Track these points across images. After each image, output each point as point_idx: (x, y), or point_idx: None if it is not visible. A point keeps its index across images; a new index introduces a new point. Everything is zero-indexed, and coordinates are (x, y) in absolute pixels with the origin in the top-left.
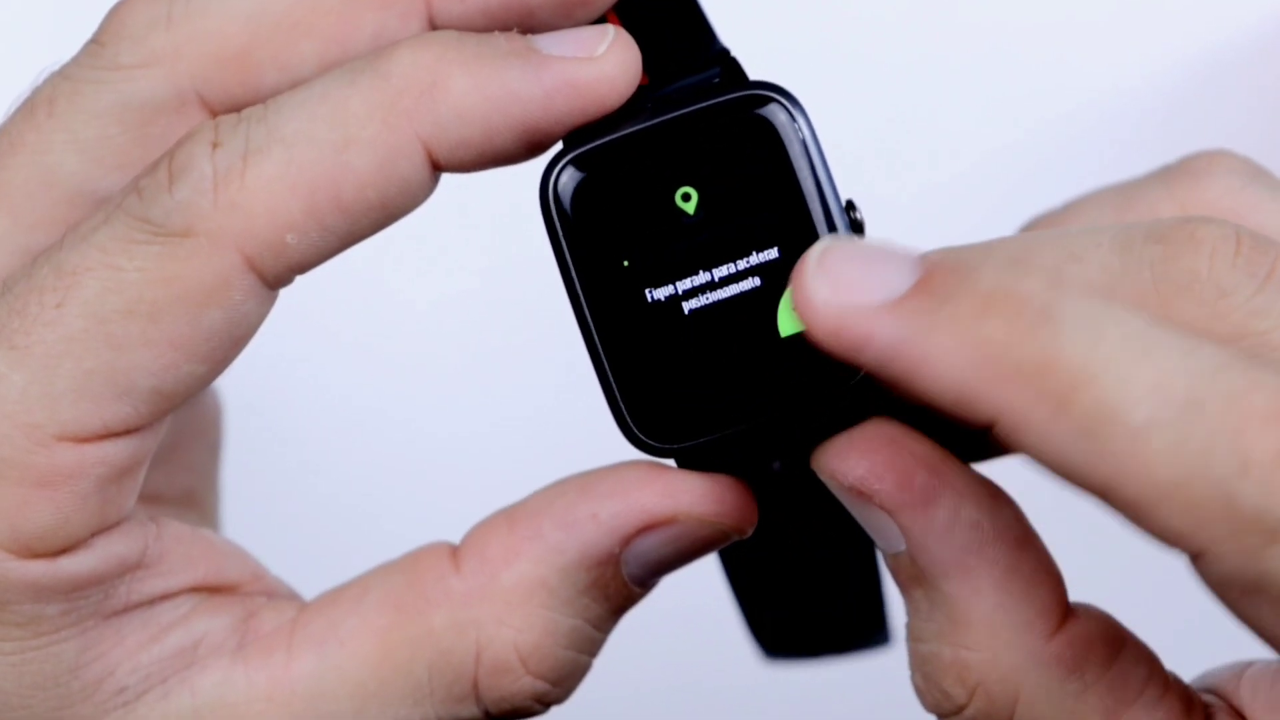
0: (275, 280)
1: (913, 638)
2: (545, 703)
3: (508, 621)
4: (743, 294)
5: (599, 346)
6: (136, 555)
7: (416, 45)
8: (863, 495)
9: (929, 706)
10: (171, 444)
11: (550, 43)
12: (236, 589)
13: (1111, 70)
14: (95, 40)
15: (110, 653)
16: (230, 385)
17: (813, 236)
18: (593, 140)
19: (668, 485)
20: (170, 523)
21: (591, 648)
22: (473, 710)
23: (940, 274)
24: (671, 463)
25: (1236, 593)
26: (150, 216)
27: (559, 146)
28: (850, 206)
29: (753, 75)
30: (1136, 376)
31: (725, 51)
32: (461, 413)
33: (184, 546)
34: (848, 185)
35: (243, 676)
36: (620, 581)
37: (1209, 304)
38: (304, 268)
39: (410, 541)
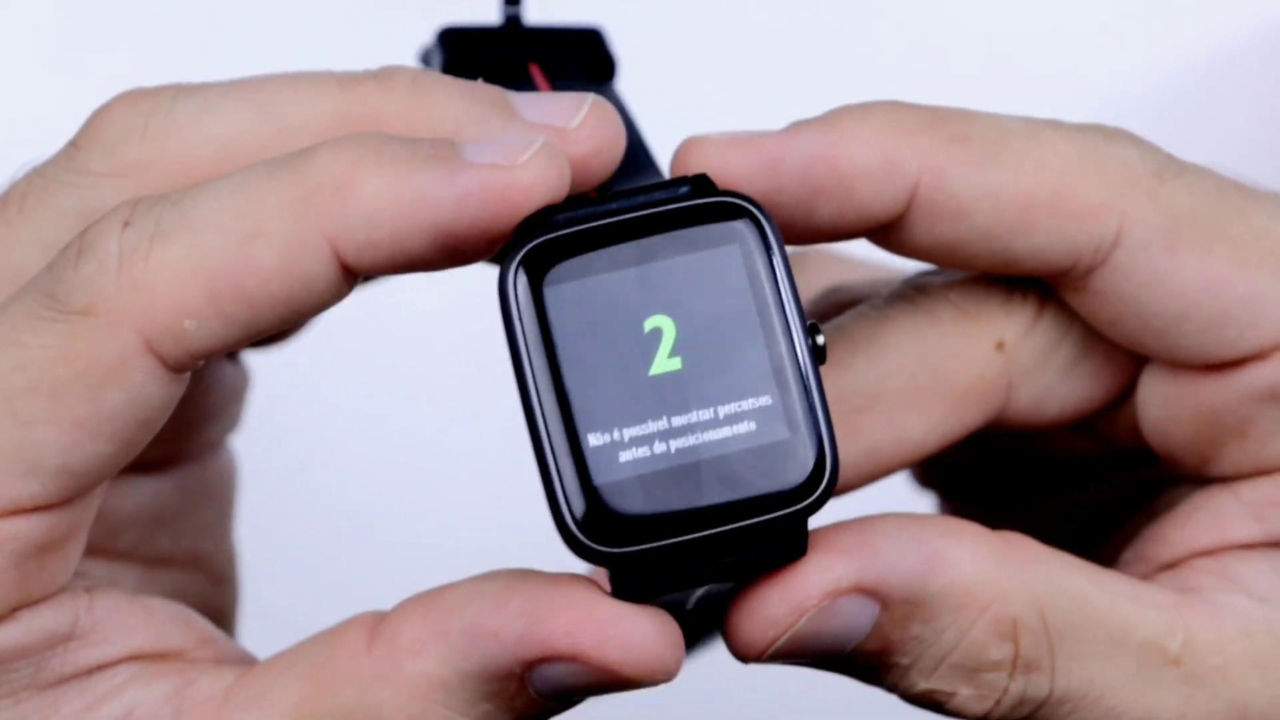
0: (177, 364)
1: (932, 671)
2: None
3: (406, 711)
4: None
5: (546, 440)
6: (66, 628)
7: (337, 145)
8: (833, 600)
9: (990, 703)
10: (177, 507)
11: (475, 150)
12: (180, 656)
13: (1112, 71)
14: (73, 143)
15: None
16: None
17: (777, 353)
18: (556, 230)
19: (577, 622)
20: (107, 592)
21: None
22: None
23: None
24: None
25: (1161, 256)
26: (55, 293)
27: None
28: (814, 329)
29: (753, 82)
30: (998, 116)
31: (701, 175)
32: (459, 418)
33: (120, 616)
34: None
35: None
36: (527, 697)
37: None
38: (205, 355)
39: (406, 549)
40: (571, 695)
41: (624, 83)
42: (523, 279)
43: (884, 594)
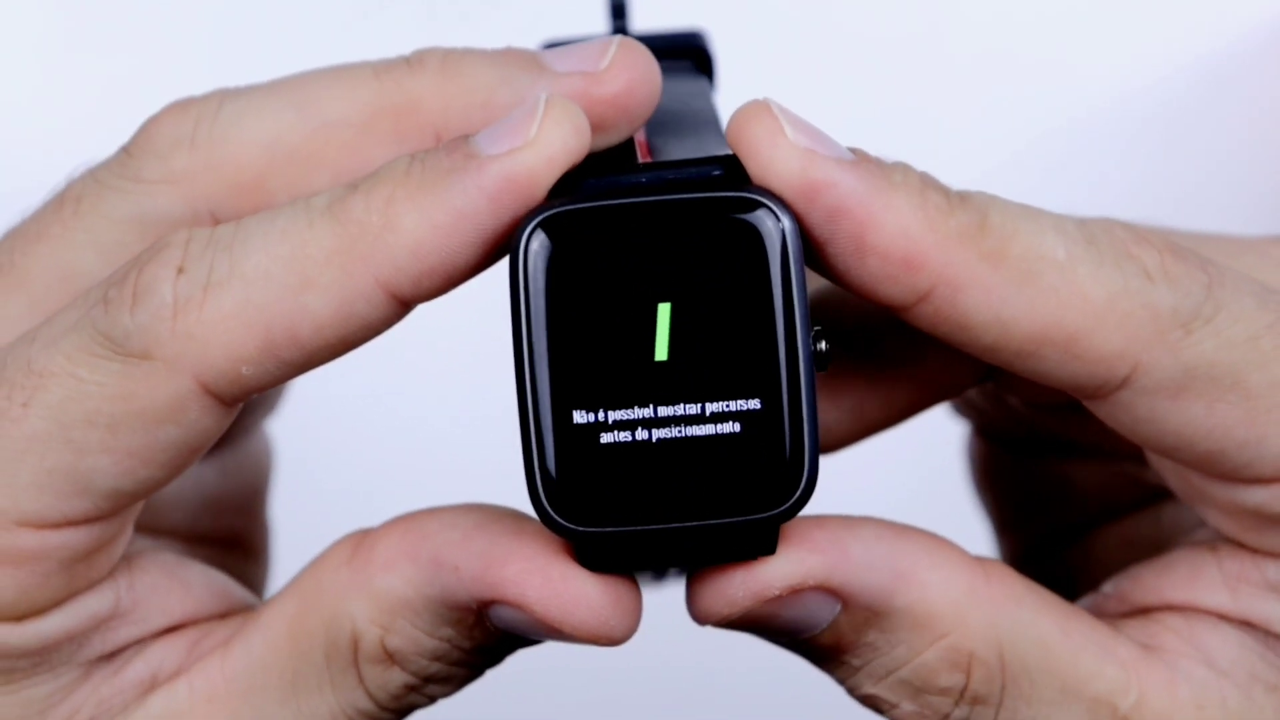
0: (231, 400)
1: (879, 679)
2: (430, 696)
3: (377, 621)
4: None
5: (531, 406)
6: (108, 609)
7: (369, 189)
8: (795, 592)
9: None
10: (217, 489)
11: (487, 140)
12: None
13: (1112, 73)
14: (126, 150)
15: (77, 691)
16: None
17: (774, 360)
18: (572, 202)
19: (527, 573)
20: (147, 567)
21: (469, 662)
22: (365, 700)
23: (872, 157)
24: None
25: (1166, 401)
26: (112, 334)
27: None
28: (818, 336)
29: (745, 84)
30: (1042, 227)
31: (733, 156)
32: (460, 406)
33: (158, 595)
34: None
35: (186, 686)
36: (486, 629)
37: None
38: (260, 390)
39: None
40: (525, 638)
41: (726, 81)
42: (535, 247)
43: (847, 597)
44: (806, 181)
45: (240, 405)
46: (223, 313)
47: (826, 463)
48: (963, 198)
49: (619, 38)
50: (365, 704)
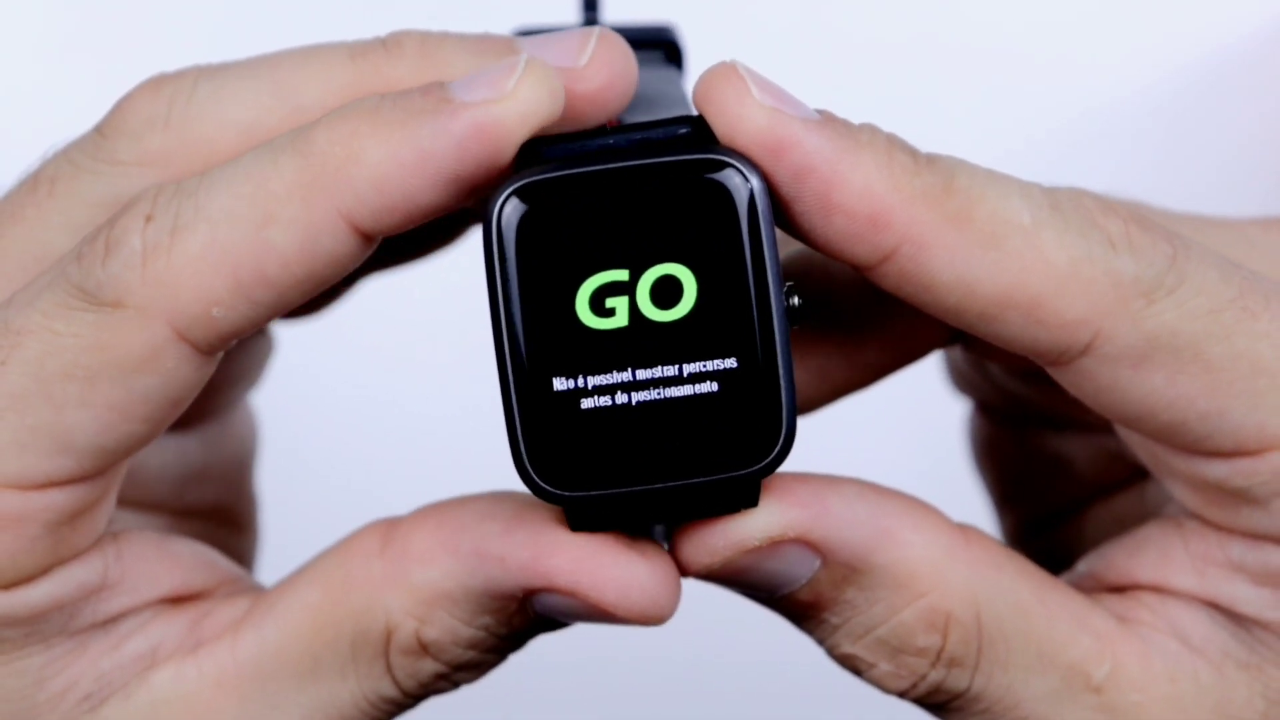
0: (208, 348)
1: (858, 638)
2: (455, 683)
3: (414, 614)
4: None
5: (511, 376)
6: (96, 579)
7: (333, 120)
8: (775, 544)
9: (907, 684)
10: (202, 462)
11: (463, 87)
12: (203, 596)
13: (1112, 73)
14: (99, 130)
15: (74, 665)
16: None
17: (748, 317)
18: (544, 171)
19: (578, 560)
20: (134, 540)
21: (499, 651)
22: (390, 687)
23: (839, 118)
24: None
25: (1128, 369)
26: (85, 286)
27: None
28: (791, 291)
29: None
30: (1010, 191)
31: (700, 116)
32: (454, 399)
33: (147, 565)
34: None
35: (194, 668)
36: (527, 614)
37: None
38: (237, 336)
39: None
40: (569, 621)
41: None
42: (507, 216)
43: (826, 551)
44: (773, 140)
45: (219, 355)
46: (190, 255)
47: (819, 433)
48: (930, 159)
49: (598, 30)
50: (390, 691)
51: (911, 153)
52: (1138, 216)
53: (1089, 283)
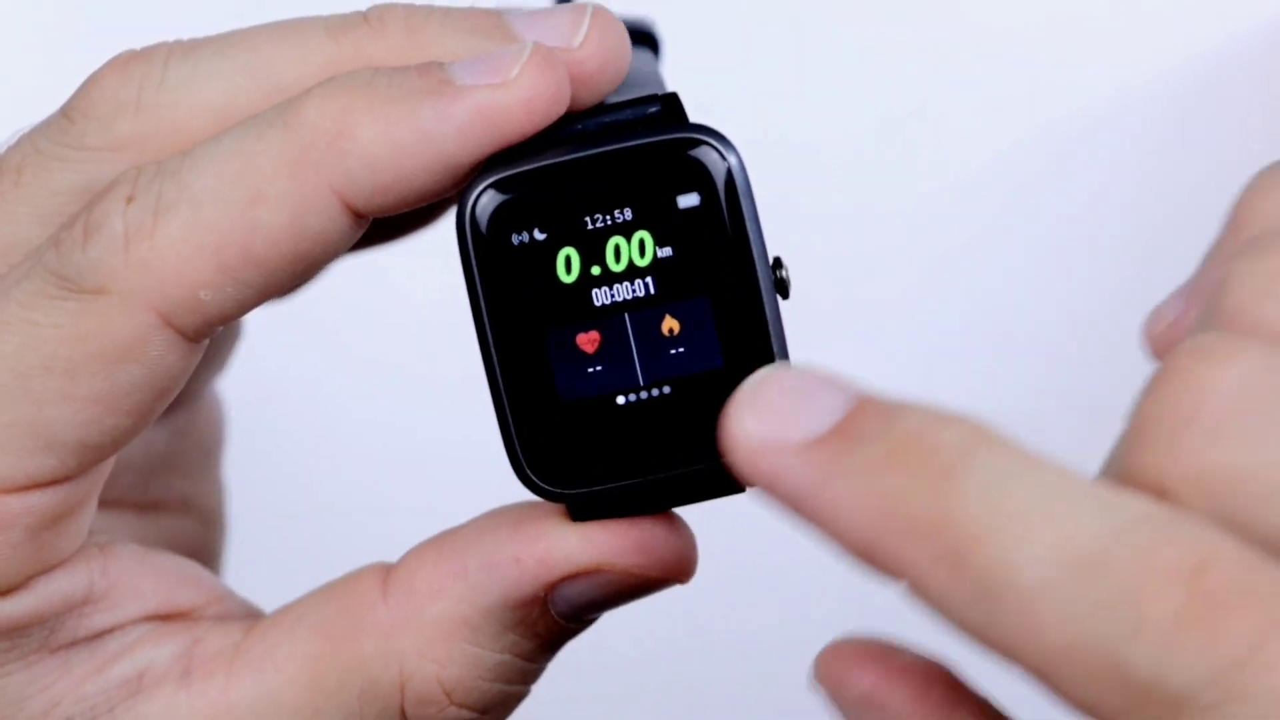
0: (195, 334)
1: None
2: None
3: (430, 655)
4: None
5: (499, 379)
6: (81, 593)
7: (325, 93)
8: (870, 705)
9: None
10: (167, 453)
11: (464, 71)
12: (190, 614)
13: (1113, 72)
14: (66, 114)
15: (56, 685)
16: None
17: (736, 295)
18: (518, 163)
19: (593, 534)
20: (120, 553)
21: (524, 678)
22: None
23: (863, 413)
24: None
25: None
26: (65, 273)
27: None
28: (778, 264)
29: (743, 92)
30: (1034, 535)
31: (672, 94)
32: (451, 413)
33: (132, 579)
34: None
35: (185, 703)
36: (549, 620)
37: None
38: (224, 320)
39: (398, 544)
40: (593, 610)
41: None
42: (479, 222)
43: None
44: (755, 476)
45: (205, 342)
46: (174, 237)
47: None
48: (941, 475)
49: (591, 7)
50: None
51: (915, 465)
52: (1223, 587)
53: (1090, 673)
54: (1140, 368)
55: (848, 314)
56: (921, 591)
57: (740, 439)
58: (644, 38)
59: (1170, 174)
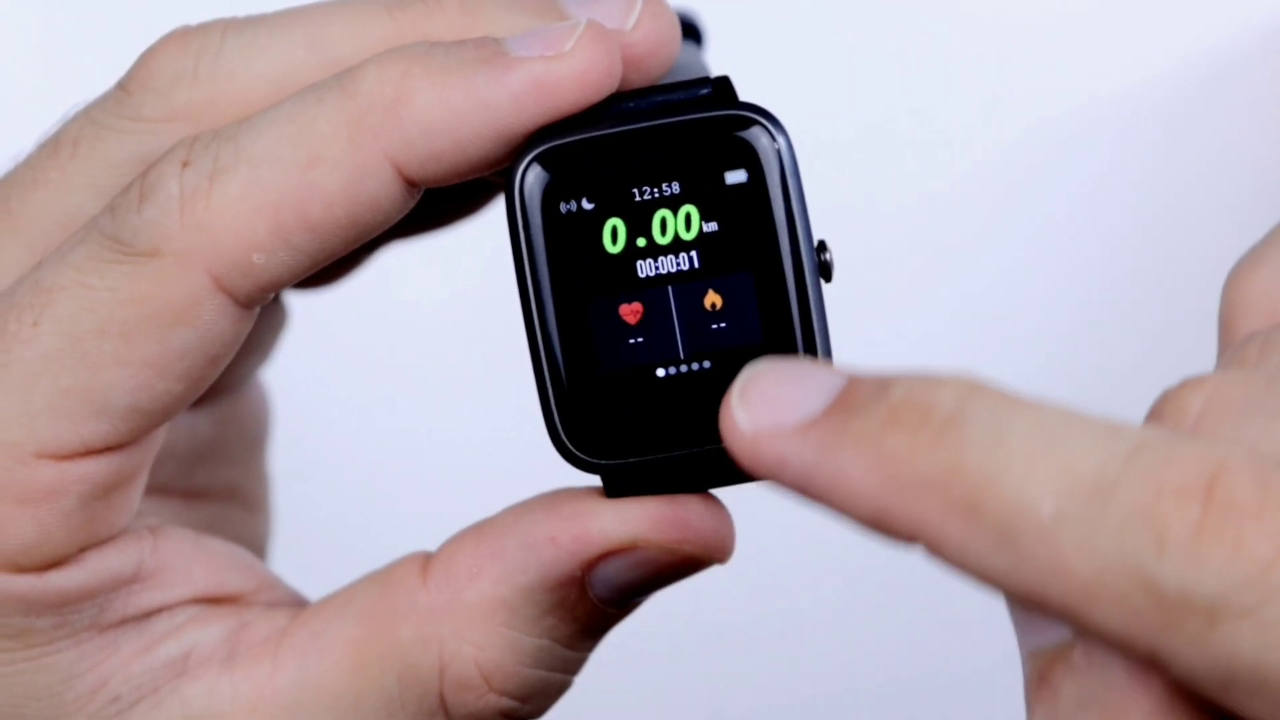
0: (247, 299)
1: None
2: (515, 718)
3: (469, 639)
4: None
5: (540, 346)
6: (130, 570)
7: (383, 61)
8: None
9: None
10: (212, 440)
11: (519, 44)
12: (239, 599)
13: (1113, 71)
14: (123, 86)
15: (105, 663)
16: None
17: (779, 274)
18: (568, 134)
19: (627, 510)
20: (171, 535)
21: (566, 665)
22: None
23: (856, 388)
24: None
25: (1215, 692)
26: (120, 236)
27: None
28: (822, 247)
29: (750, 87)
30: (1040, 469)
31: (724, 77)
32: (466, 412)
33: (183, 560)
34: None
35: (229, 686)
36: (589, 603)
37: None
38: (276, 286)
39: (411, 543)
40: (632, 593)
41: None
42: (529, 190)
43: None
44: (758, 466)
45: (255, 312)
46: (230, 198)
47: None
48: (941, 430)
49: None
50: None
51: (914, 425)
52: (1244, 493)
53: (1121, 597)
54: (1140, 364)
55: (847, 314)
56: (939, 549)
57: (738, 433)
58: (689, 29)
59: (1170, 173)
